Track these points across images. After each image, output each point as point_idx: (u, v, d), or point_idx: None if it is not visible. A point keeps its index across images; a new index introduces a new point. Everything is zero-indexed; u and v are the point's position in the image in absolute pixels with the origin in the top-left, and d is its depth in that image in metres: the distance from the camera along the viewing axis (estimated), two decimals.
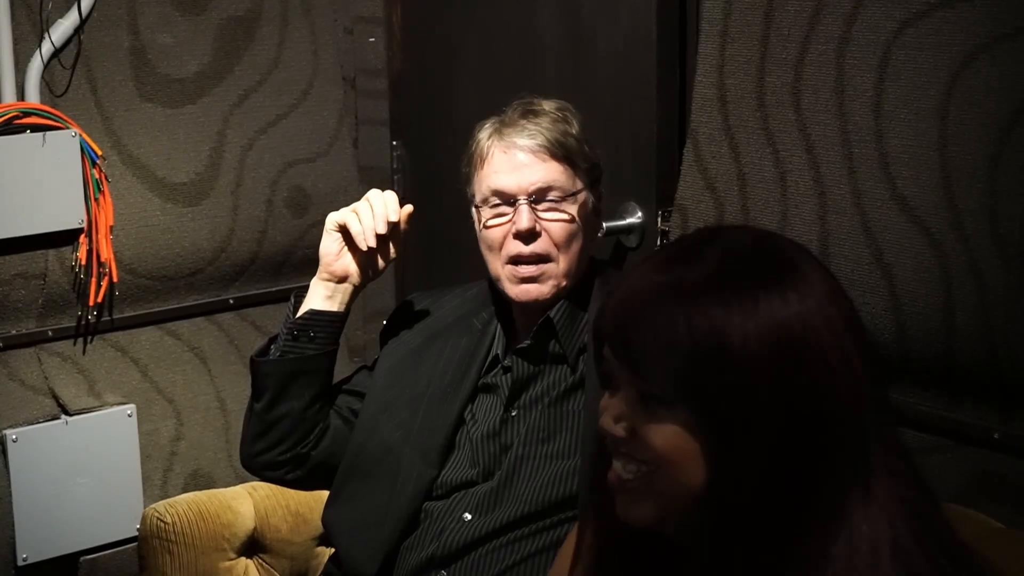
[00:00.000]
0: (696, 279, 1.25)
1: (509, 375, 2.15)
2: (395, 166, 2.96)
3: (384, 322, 2.95)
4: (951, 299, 1.85)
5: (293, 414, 2.25)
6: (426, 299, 2.35)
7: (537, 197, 2.09)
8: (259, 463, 2.32)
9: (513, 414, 2.13)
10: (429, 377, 2.22)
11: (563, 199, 2.09)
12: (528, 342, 2.13)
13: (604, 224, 2.35)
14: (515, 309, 2.18)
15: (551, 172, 2.09)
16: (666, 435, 1.25)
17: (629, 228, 2.41)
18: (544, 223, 2.09)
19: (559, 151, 2.09)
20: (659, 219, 2.36)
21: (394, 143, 2.95)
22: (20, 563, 2.53)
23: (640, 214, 2.40)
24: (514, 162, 2.10)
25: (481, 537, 2.06)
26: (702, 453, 1.24)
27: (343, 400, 2.32)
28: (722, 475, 1.23)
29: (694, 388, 1.23)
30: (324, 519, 2.27)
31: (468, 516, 2.09)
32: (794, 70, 2.03)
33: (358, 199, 2.87)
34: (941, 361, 1.89)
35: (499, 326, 2.20)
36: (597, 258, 2.25)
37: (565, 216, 2.09)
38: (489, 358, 2.19)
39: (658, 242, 2.36)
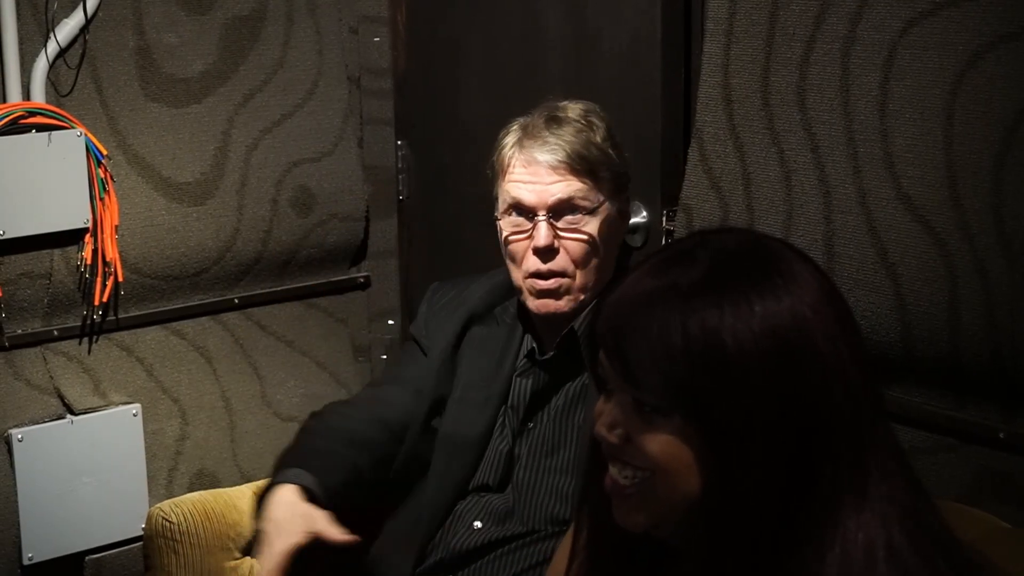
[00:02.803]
0: (689, 283, 1.25)
1: (530, 382, 2.14)
2: (400, 165, 2.96)
3: (390, 322, 2.96)
4: (956, 298, 1.85)
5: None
6: (452, 289, 2.31)
7: (556, 213, 2.06)
8: None
9: (530, 426, 2.13)
10: (464, 372, 2.20)
11: (583, 215, 2.07)
12: (552, 354, 2.12)
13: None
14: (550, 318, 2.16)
15: (571, 187, 2.06)
16: (661, 443, 1.25)
17: (634, 227, 2.40)
18: (563, 240, 2.07)
19: (580, 165, 2.06)
20: (664, 218, 2.37)
21: (399, 142, 2.95)
22: (26, 562, 2.53)
23: (645, 213, 2.40)
24: (534, 176, 2.07)
25: (488, 544, 2.06)
26: (697, 460, 1.24)
27: (406, 413, 2.26)
28: (718, 482, 1.23)
29: (689, 394, 1.22)
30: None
31: (478, 524, 2.09)
32: (799, 69, 2.03)
33: (362, 198, 2.90)
34: (946, 360, 1.89)
35: (526, 324, 2.18)
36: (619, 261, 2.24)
37: (584, 236, 2.07)
38: (521, 355, 2.17)
39: (663, 241, 2.36)
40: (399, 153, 2.95)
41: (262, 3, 2.71)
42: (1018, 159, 1.77)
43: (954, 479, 1.91)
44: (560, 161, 2.06)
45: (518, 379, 2.16)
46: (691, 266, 1.26)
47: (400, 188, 2.97)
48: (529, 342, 2.17)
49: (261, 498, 2.05)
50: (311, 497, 2.02)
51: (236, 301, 2.77)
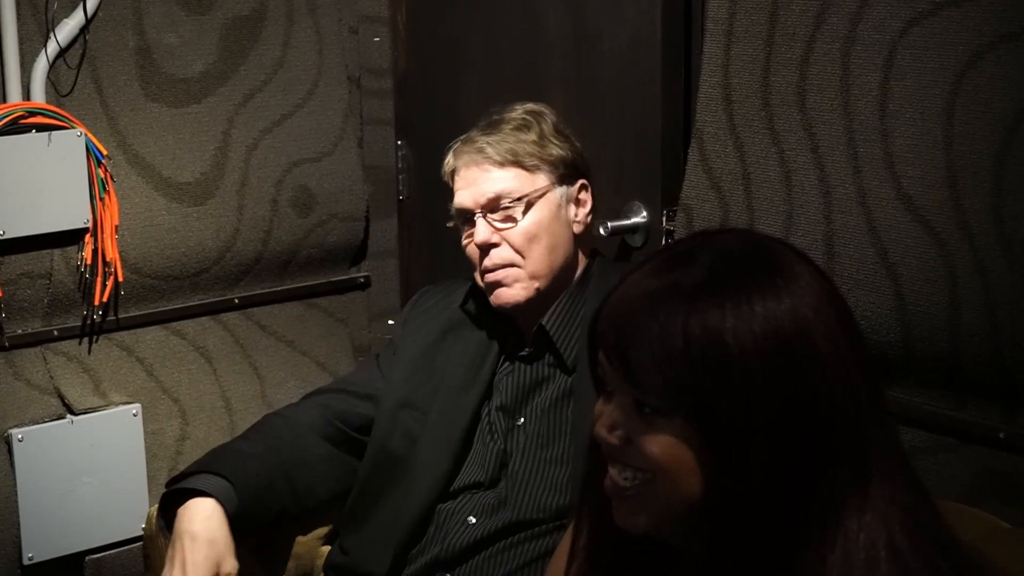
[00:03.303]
0: (691, 283, 1.25)
1: (511, 380, 2.16)
2: (399, 165, 2.96)
3: (390, 322, 2.96)
4: (956, 298, 1.85)
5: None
6: (438, 293, 2.36)
7: (489, 209, 2.13)
8: None
9: (519, 423, 2.13)
10: (444, 373, 2.23)
11: (514, 203, 2.12)
12: (528, 350, 2.15)
13: (609, 224, 2.35)
14: (513, 310, 2.19)
15: (499, 182, 2.14)
16: (662, 444, 1.25)
17: (634, 227, 2.41)
18: (502, 232, 2.13)
19: (507, 158, 2.14)
20: (664, 218, 2.37)
21: (399, 142, 2.95)
22: (26, 562, 2.53)
23: (645, 214, 2.40)
24: (467, 179, 2.17)
25: (484, 539, 2.07)
26: (698, 462, 1.23)
27: (359, 412, 2.32)
28: (719, 484, 1.23)
29: (690, 395, 1.22)
30: (346, 516, 2.27)
31: (472, 520, 2.09)
32: (799, 69, 2.03)
33: (362, 198, 2.90)
34: (946, 360, 1.89)
35: (503, 325, 2.21)
36: (600, 253, 2.25)
37: (518, 220, 2.12)
38: (502, 354, 2.20)
39: (663, 241, 2.36)
40: (399, 153, 2.96)
41: (262, 3, 2.71)
42: (1018, 159, 1.77)
43: (954, 479, 1.91)
44: (485, 158, 2.15)
45: (502, 377, 2.17)
46: (692, 267, 1.26)
47: (400, 188, 2.97)
48: (507, 344, 2.19)
49: (172, 496, 2.10)
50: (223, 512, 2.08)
51: (236, 301, 2.77)
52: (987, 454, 1.87)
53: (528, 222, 2.12)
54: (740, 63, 2.12)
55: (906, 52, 1.88)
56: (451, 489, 2.15)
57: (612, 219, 2.37)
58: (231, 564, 2.05)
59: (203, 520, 2.05)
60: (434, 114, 2.89)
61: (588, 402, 1.36)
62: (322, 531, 2.37)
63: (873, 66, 1.93)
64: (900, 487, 1.25)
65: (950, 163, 1.84)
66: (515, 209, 2.12)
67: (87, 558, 2.62)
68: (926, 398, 1.94)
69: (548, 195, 2.14)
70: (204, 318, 2.74)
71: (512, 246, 2.12)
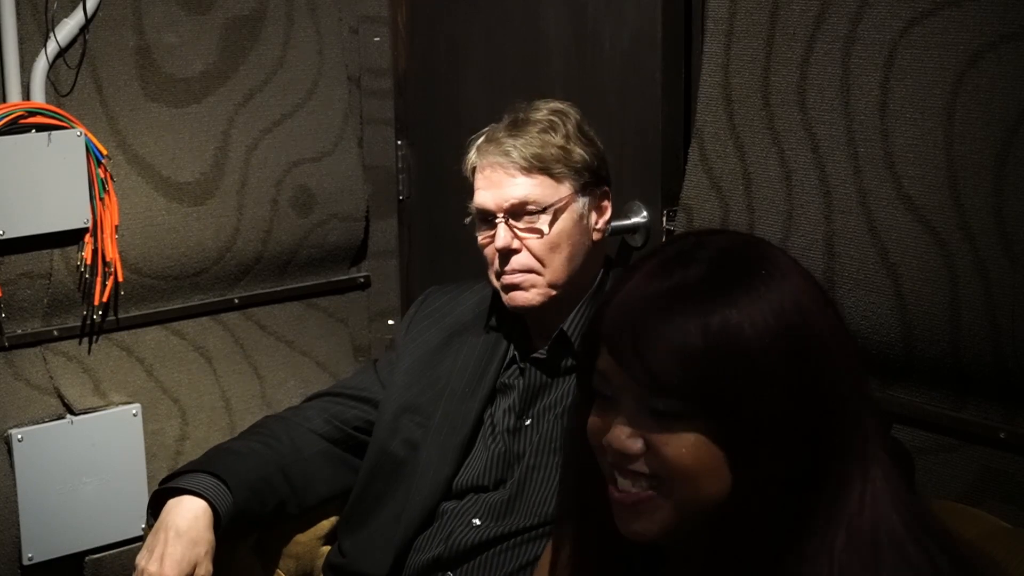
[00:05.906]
0: (696, 282, 1.25)
1: (522, 381, 2.15)
2: (400, 165, 2.96)
3: (390, 322, 2.96)
4: (957, 298, 1.85)
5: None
6: (444, 295, 2.35)
7: (514, 214, 2.10)
8: None
9: (527, 423, 2.13)
10: (449, 376, 2.22)
11: (540, 212, 2.09)
12: (543, 352, 2.13)
13: (610, 224, 2.34)
14: (527, 313, 2.18)
15: (524, 187, 2.09)
16: (686, 446, 1.23)
17: (634, 227, 2.41)
18: (523, 239, 2.10)
19: (534, 164, 2.09)
20: (664, 218, 2.36)
21: (399, 142, 2.95)
22: (26, 562, 2.53)
23: (645, 213, 2.40)
24: (491, 180, 2.12)
25: (488, 540, 2.07)
26: (722, 460, 1.22)
27: (355, 413, 2.32)
28: (742, 480, 1.22)
29: (713, 393, 1.21)
30: (345, 518, 2.27)
31: (477, 522, 2.09)
32: (799, 69, 2.03)
33: (363, 198, 2.90)
34: (947, 360, 1.89)
35: (514, 328, 2.19)
36: (611, 259, 2.25)
37: (543, 230, 2.09)
38: (508, 358, 2.19)
39: (663, 241, 2.36)
40: (399, 153, 2.95)
41: (262, 3, 2.71)
42: (1019, 159, 1.77)
43: (955, 479, 1.91)
44: (512, 162, 2.10)
45: (510, 379, 2.16)
46: (693, 266, 1.26)
47: (400, 188, 2.97)
48: (515, 347, 2.18)
49: (163, 493, 2.11)
50: (214, 512, 2.09)
51: (236, 301, 2.77)
52: (987, 454, 1.88)
53: (551, 232, 2.09)
54: (740, 63, 2.12)
55: (906, 52, 1.88)
56: (453, 490, 2.14)
57: (612, 219, 2.36)
58: (206, 568, 2.05)
59: (191, 519, 2.06)
60: (434, 114, 2.89)
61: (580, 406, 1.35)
62: (322, 531, 2.37)
63: (873, 66, 1.93)
64: (894, 478, 1.26)
65: (950, 163, 1.84)
66: (539, 218, 2.08)
67: (87, 558, 2.62)
68: (926, 398, 1.94)
69: (572, 205, 2.11)
70: (204, 318, 2.74)
71: (533, 254, 2.09)
